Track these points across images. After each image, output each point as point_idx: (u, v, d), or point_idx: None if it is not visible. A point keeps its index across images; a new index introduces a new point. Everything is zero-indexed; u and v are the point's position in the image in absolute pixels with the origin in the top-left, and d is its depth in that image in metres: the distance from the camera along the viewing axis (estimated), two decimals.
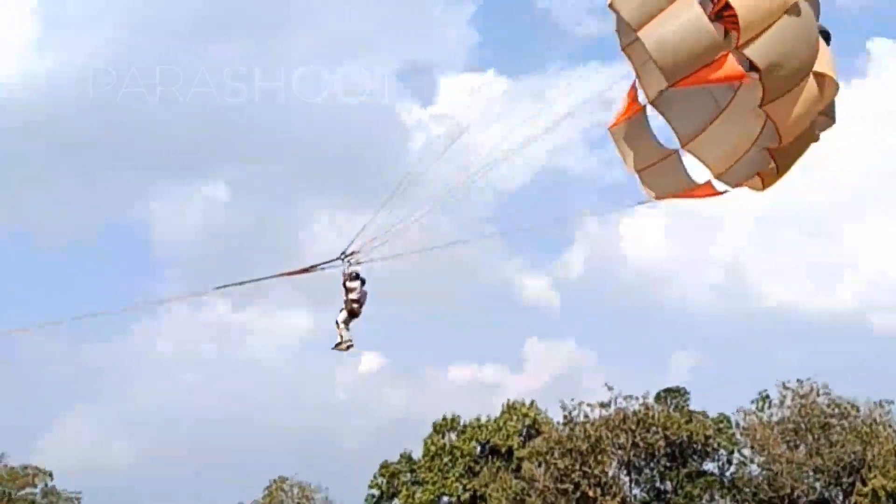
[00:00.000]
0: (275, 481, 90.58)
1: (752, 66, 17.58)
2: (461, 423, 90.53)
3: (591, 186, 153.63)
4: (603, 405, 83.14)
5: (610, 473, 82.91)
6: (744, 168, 19.43)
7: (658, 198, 20.26)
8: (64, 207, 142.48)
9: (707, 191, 20.03)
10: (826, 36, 18.79)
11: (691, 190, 20.03)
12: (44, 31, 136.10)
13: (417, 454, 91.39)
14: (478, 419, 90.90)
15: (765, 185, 19.67)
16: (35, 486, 79.61)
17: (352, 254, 19.18)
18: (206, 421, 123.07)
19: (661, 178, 19.99)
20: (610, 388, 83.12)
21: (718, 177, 19.69)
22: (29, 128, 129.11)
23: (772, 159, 18.96)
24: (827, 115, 19.21)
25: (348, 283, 19.63)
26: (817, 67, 18.16)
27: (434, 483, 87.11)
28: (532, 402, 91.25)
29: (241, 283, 19.04)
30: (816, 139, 19.56)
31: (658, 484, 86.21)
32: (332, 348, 20.12)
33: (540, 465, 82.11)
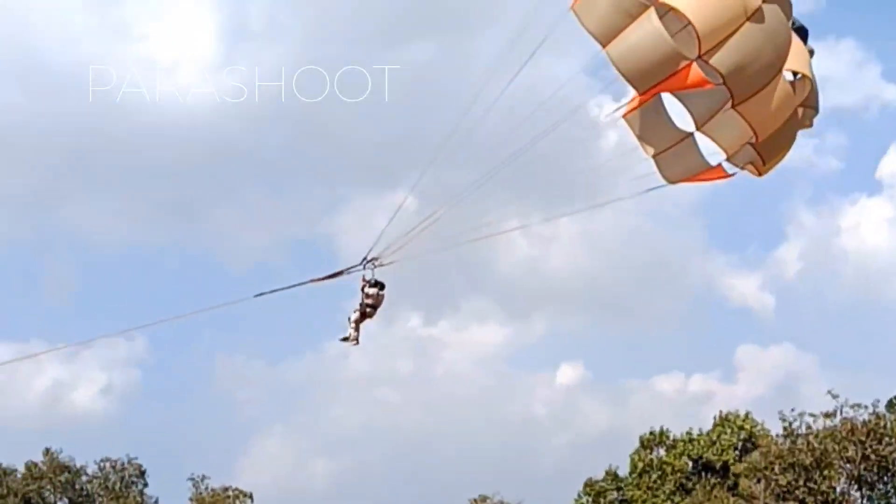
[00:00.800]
0: (475, 500, 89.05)
1: None
2: (670, 438, 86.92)
3: (805, 177, 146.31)
4: (827, 415, 78.87)
5: (838, 489, 78.68)
6: (744, 154, 20.52)
7: (672, 182, 21.20)
8: (254, 224, 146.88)
9: (719, 173, 20.97)
10: (803, 33, 19.72)
11: (704, 172, 21.11)
12: (227, 50, 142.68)
13: (624, 471, 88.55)
14: (688, 433, 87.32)
15: (760, 172, 20.64)
16: None
17: (372, 259, 21.36)
18: (403, 438, 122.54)
19: (676, 161, 20.97)
20: (835, 397, 77.77)
21: (730, 158, 20.72)
22: (218, 147, 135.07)
23: (755, 151, 19.96)
24: (811, 107, 20.10)
25: (367, 289, 21.55)
26: (789, 66, 19.15)
27: (643, 501, 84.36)
28: (747, 414, 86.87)
29: (275, 291, 21.41)
30: (808, 125, 20.48)
31: (893, 500, 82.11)
32: (339, 339, 22.13)
33: (759, 481, 77.71)
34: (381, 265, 21.29)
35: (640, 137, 21.14)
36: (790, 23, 19.35)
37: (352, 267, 21.06)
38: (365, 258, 21.12)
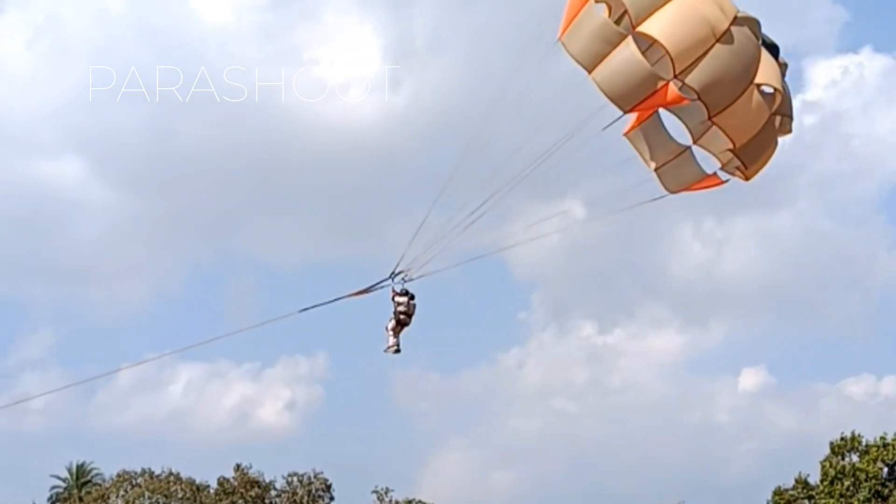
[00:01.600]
0: None
1: None
2: (863, 443, 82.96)
3: None
4: None
5: None
6: (734, 161, 22.68)
7: (673, 192, 23.24)
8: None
9: (714, 181, 23.14)
10: (775, 50, 21.89)
11: (700, 181, 23.28)
12: (393, 69, 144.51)
13: (814, 478, 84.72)
14: (882, 437, 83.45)
15: (746, 177, 22.79)
16: None
17: (400, 272, 23.72)
18: (582, 448, 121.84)
19: (677, 173, 22.92)
20: None
21: (724, 167, 22.86)
22: (387, 164, 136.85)
23: (737, 158, 22.14)
24: (786, 115, 22.24)
25: (397, 298, 23.67)
26: (760, 80, 21.31)
27: None
28: None
29: (317, 306, 23.82)
30: (788, 132, 22.64)
31: None
32: (384, 351, 24.03)
33: None
34: (410, 279, 23.75)
35: (641, 153, 23.41)
36: (760, 41, 21.49)
37: (381, 281, 23.42)
38: (392, 272, 23.53)
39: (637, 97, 20.93)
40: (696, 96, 20.91)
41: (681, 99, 20.94)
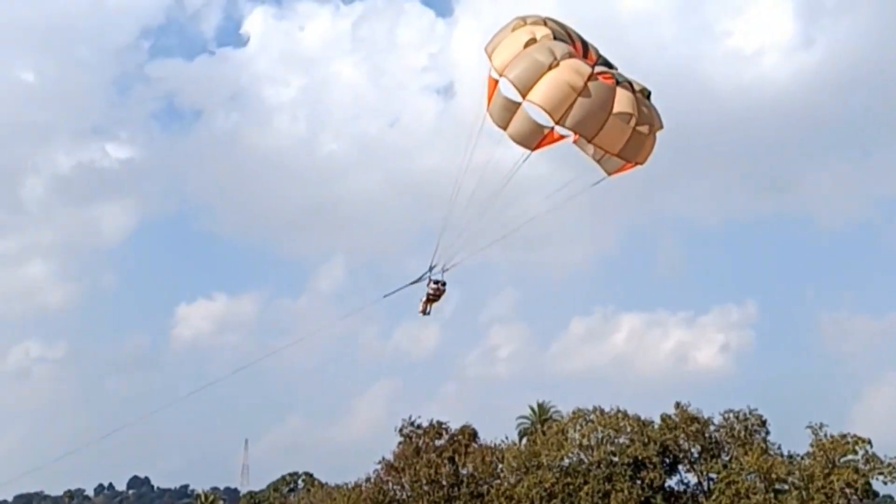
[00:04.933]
0: None
1: None
2: None
3: None
4: None
5: None
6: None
7: (610, 174, 34.42)
8: (843, 188, 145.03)
9: (628, 167, 34.08)
10: (647, 93, 32.57)
11: (620, 168, 34.32)
12: (805, 30, 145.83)
13: None
14: None
15: (634, 164, 33.49)
16: (855, 452, 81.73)
17: (432, 268, 36.27)
18: None
19: (607, 164, 34.43)
20: None
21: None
22: (804, 120, 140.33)
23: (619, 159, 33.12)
24: (646, 123, 32.74)
25: (431, 285, 36.06)
26: (617, 109, 32.11)
27: None
28: None
29: (398, 290, 37.04)
30: (659, 127, 33.13)
31: None
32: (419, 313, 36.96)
33: None
34: (446, 269, 36.40)
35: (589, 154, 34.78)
36: (615, 83, 32.17)
37: (423, 275, 36.17)
38: (431, 267, 36.19)
39: (535, 140, 32.49)
40: (573, 133, 32.20)
41: (561, 137, 32.29)
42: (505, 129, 32.89)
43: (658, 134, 33.36)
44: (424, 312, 37.13)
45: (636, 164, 33.89)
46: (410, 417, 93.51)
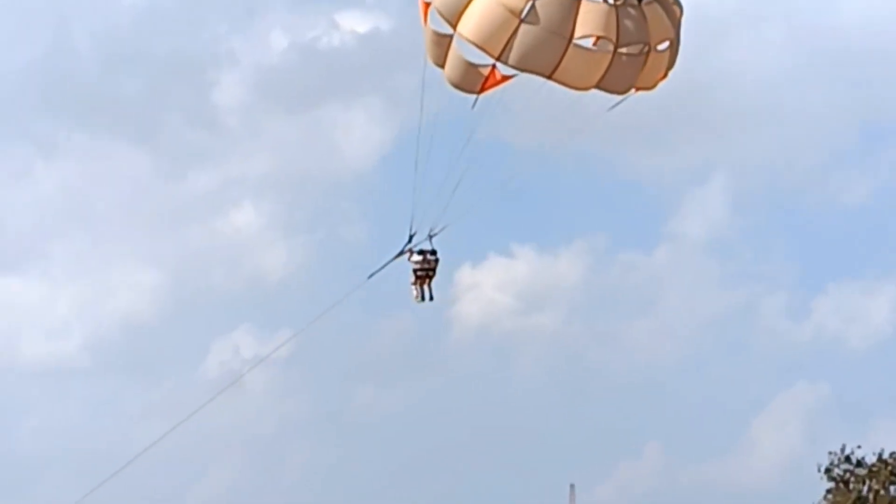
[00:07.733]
0: None
1: None
2: None
3: None
4: None
5: None
6: None
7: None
8: None
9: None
10: None
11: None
12: None
13: None
14: None
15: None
16: None
17: (412, 237, 27.87)
18: None
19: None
20: None
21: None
22: None
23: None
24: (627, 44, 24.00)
25: (412, 259, 27.87)
26: (580, 33, 23.47)
27: None
28: None
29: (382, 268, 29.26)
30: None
31: None
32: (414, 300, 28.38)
33: None
34: (434, 234, 28.27)
35: None
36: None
37: (404, 247, 28.48)
38: (410, 236, 28.41)
39: (476, 84, 24.45)
40: (521, 71, 23.82)
41: (506, 79, 24.03)
42: (442, 67, 24.96)
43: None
44: (421, 299, 28.77)
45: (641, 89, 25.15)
46: (844, 449, 65.04)
